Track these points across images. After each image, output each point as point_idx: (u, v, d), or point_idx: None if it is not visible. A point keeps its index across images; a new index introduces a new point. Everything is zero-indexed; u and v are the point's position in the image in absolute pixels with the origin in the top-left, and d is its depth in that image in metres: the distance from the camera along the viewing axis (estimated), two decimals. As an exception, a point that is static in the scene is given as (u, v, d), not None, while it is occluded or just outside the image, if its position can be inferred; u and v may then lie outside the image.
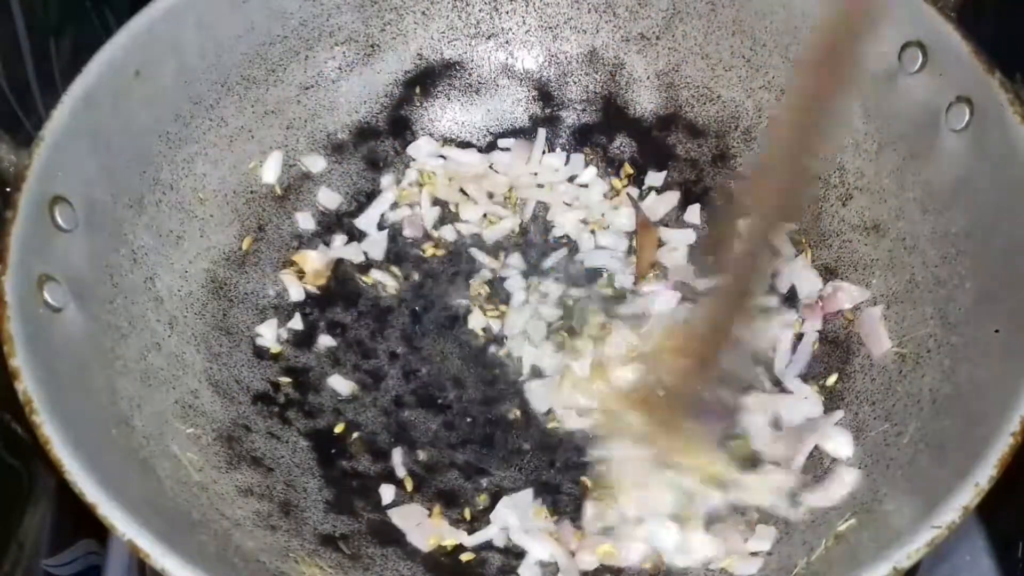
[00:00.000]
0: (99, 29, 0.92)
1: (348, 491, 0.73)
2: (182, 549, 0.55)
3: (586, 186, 0.89)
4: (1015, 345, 0.62)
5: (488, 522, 0.72)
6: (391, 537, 0.71)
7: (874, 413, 0.71)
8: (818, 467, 0.71)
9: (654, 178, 0.88)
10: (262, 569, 0.63)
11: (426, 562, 0.70)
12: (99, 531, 0.79)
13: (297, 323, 0.81)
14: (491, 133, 0.90)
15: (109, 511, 0.55)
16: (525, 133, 0.90)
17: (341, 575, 0.67)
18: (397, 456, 0.75)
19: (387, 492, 0.73)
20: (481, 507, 0.73)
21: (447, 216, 0.87)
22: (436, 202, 0.87)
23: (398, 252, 0.86)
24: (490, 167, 0.89)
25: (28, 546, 0.76)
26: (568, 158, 0.90)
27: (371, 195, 0.87)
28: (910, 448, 0.66)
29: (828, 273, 0.80)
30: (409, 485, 0.74)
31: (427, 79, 0.89)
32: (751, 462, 0.72)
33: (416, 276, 0.84)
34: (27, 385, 0.58)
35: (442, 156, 0.89)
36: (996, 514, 0.75)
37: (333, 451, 0.75)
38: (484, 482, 0.75)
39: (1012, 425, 0.56)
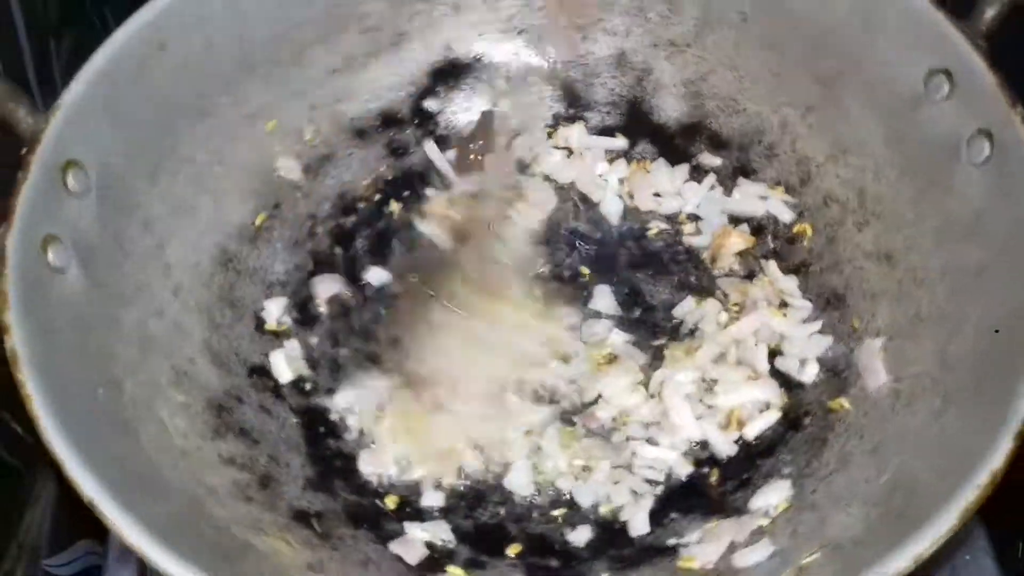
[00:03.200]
0: (99, 29, 0.93)
1: (330, 470, 0.75)
2: (145, 512, 0.57)
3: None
4: (999, 395, 0.60)
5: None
6: (364, 519, 0.72)
7: (861, 447, 0.70)
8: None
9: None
10: (229, 538, 0.64)
11: (394, 549, 0.71)
12: (99, 531, 0.77)
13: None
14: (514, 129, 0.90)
15: (75, 469, 0.56)
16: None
17: (308, 552, 0.68)
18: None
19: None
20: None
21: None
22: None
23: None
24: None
25: (28, 546, 0.77)
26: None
27: (389, 183, 0.88)
28: (887, 487, 0.65)
29: (836, 299, 0.79)
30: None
31: (453, 71, 0.90)
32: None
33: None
34: (15, 341, 0.60)
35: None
36: (996, 514, 0.73)
37: (322, 430, 0.77)
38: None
39: (980, 477, 0.55)
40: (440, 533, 0.72)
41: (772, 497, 0.70)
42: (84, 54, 0.72)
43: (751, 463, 0.74)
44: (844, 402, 0.74)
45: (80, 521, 0.79)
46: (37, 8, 0.83)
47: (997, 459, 0.55)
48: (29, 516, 0.78)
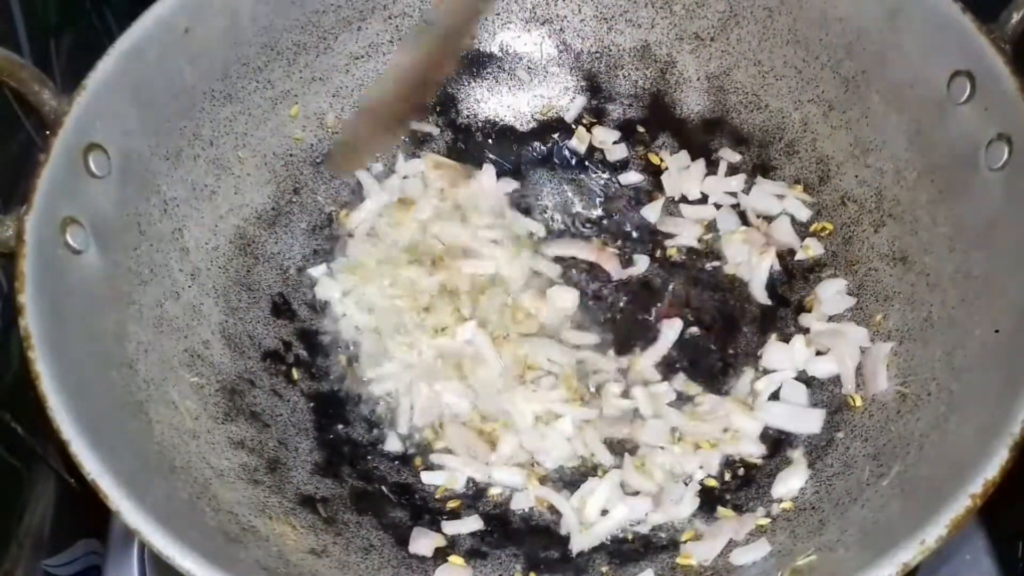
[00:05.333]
0: (99, 29, 0.94)
1: (338, 456, 0.76)
2: (148, 493, 0.58)
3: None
4: (1001, 403, 0.59)
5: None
6: (369, 506, 0.73)
7: (864, 450, 0.69)
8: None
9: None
10: (233, 521, 0.66)
11: (396, 534, 0.72)
12: (99, 531, 0.80)
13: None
14: (535, 120, 0.91)
15: (78, 446, 0.57)
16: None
17: (312, 536, 0.69)
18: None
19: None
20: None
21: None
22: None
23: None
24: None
25: (28, 546, 0.77)
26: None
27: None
28: (888, 491, 0.64)
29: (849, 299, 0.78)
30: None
31: (477, 60, 0.90)
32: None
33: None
34: (29, 321, 0.61)
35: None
36: (996, 514, 0.73)
37: (332, 415, 0.78)
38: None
39: (973, 486, 0.54)
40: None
41: (793, 483, 0.70)
42: (84, 54, 0.72)
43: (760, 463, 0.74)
44: (856, 399, 0.74)
45: (80, 521, 0.81)
46: (37, 8, 0.83)
47: (992, 469, 0.55)
48: (29, 516, 0.77)
